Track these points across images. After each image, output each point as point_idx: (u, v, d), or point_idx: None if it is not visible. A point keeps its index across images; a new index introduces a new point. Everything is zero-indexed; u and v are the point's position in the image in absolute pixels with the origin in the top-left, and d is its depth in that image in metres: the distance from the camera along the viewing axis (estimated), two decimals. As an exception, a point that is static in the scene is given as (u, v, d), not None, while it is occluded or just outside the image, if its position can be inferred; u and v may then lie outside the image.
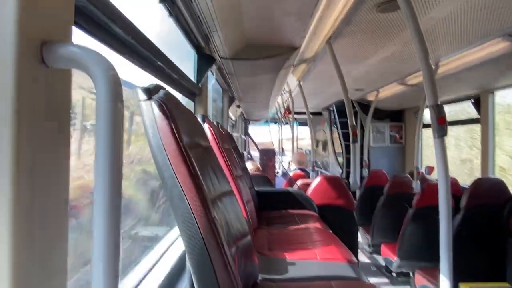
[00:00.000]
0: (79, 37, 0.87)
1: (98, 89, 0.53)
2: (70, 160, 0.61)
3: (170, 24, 1.84)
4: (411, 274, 3.40)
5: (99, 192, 0.51)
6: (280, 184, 5.15)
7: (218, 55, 2.77)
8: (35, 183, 0.52)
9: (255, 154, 8.11)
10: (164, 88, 0.90)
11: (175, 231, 1.83)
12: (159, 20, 1.78)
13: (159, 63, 1.38)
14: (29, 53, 0.51)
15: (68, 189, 0.60)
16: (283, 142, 9.84)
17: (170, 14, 1.67)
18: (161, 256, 1.60)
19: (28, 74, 0.51)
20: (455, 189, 3.22)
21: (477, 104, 4.09)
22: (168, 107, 0.83)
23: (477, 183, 2.76)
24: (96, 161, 0.52)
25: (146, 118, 0.82)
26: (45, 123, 0.54)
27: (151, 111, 0.82)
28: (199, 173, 0.87)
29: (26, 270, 0.50)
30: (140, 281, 1.31)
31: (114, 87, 0.53)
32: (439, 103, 1.85)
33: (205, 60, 2.41)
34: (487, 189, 2.74)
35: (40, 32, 0.53)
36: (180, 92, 2.01)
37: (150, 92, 0.83)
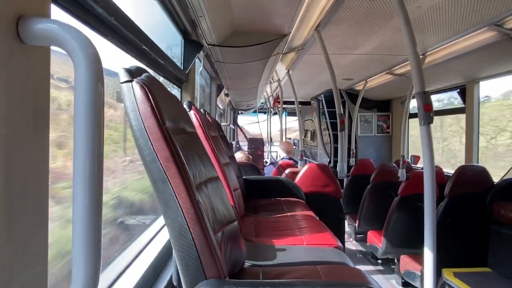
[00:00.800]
0: (58, 16, 0.84)
1: (77, 68, 0.51)
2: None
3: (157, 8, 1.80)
4: (396, 260, 3.47)
5: (79, 181, 0.50)
6: (269, 173, 5.17)
7: (206, 41, 2.73)
8: (12, 169, 0.50)
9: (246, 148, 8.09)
10: (147, 71, 0.88)
11: (162, 218, 1.82)
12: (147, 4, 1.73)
13: (144, 47, 1.35)
14: (3, 28, 0.48)
15: (48, 177, 0.58)
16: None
17: (156, -3, 1.63)
18: (149, 242, 1.59)
19: (2, 50, 0.48)
20: (440, 177, 3.29)
21: (463, 93, 4.14)
22: (150, 89, 0.81)
23: (460, 171, 2.81)
24: (75, 146, 0.50)
25: (127, 100, 0.80)
26: (23, 105, 0.52)
27: (132, 93, 0.80)
28: (183, 157, 0.86)
29: (5, 258, 0.49)
30: (126, 268, 1.30)
31: (94, 66, 0.51)
32: (426, 90, 1.87)
33: (192, 46, 2.37)
34: (470, 177, 2.79)
35: (15, 5, 0.50)
36: (166, 78, 1.98)
37: (132, 73, 0.81)
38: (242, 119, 10.77)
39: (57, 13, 0.83)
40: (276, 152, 8.99)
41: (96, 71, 0.51)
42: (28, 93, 0.54)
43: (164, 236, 1.68)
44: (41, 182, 0.57)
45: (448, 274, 2.57)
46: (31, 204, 0.54)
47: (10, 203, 0.49)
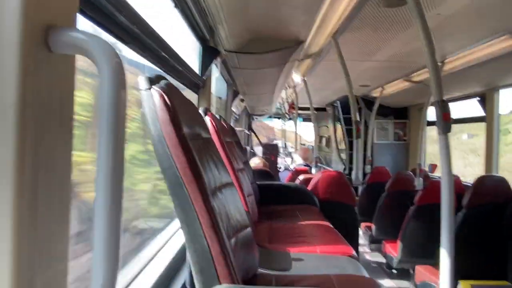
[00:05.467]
0: (84, 25, 0.87)
1: (101, 76, 0.53)
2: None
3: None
4: (411, 271, 3.41)
5: (100, 185, 0.52)
6: (283, 179, 5.15)
7: (223, 48, 2.76)
8: (38, 171, 0.52)
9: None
10: (166, 79, 0.90)
11: (177, 222, 1.84)
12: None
13: (163, 53, 1.38)
14: (34, 37, 0.51)
15: (71, 178, 0.61)
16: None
17: (176, 6, 1.67)
18: (163, 246, 1.61)
19: (32, 58, 0.51)
20: (458, 187, 3.21)
21: (483, 102, 4.05)
22: (169, 97, 0.83)
23: (479, 181, 2.74)
24: (98, 152, 0.52)
25: (146, 108, 0.82)
26: (49, 110, 0.55)
27: (151, 100, 0.82)
28: (199, 163, 0.87)
29: (28, 257, 0.51)
30: (140, 271, 1.32)
31: (118, 75, 0.53)
32: (444, 99, 1.84)
33: (209, 52, 2.41)
34: (490, 187, 2.72)
35: (45, 16, 0.53)
36: (184, 84, 2.01)
37: (152, 81, 0.83)
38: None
39: (81, 21, 0.86)
40: (292, 158, 8.98)
41: (119, 80, 0.53)
42: (55, 98, 0.56)
43: (179, 240, 1.69)
44: (64, 185, 0.59)
45: (465, 287, 2.50)
46: (54, 204, 0.56)
47: (35, 203, 0.52)
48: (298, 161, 5.64)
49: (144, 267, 1.36)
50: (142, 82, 0.83)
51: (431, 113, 4.74)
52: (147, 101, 0.82)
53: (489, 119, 3.93)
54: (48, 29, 0.53)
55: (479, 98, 4.14)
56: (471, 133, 9.56)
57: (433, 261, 2.62)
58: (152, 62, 1.39)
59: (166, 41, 1.41)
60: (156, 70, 1.48)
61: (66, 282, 0.60)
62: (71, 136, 0.61)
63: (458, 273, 2.24)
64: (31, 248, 0.51)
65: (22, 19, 0.48)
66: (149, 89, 0.82)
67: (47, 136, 0.54)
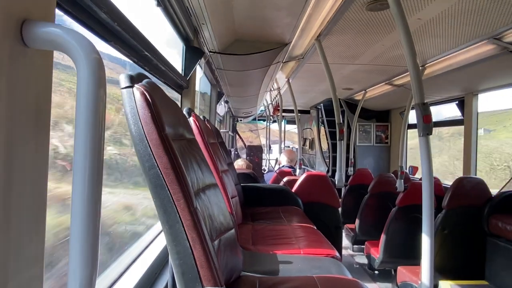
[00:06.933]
0: (62, 21, 0.85)
1: (79, 73, 0.51)
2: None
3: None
4: (393, 271, 3.45)
5: (78, 185, 0.50)
6: (268, 180, 5.15)
7: (207, 48, 2.74)
8: (11, 170, 0.50)
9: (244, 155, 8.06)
10: (148, 77, 0.88)
11: (159, 224, 1.81)
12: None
13: (146, 53, 1.36)
14: (8, 31, 0.49)
15: (47, 178, 0.58)
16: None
17: (158, 4, 1.64)
18: (145, 249, 1.58)
19: (5, 53, 0.49)
20: (438, 189, 3.29)
21: (461, 105, 4.17)
22: (151, 95, 0.81)
23: (458, 183, 2.81)
24: (76, 151, 0.50)
25: (127, 106, 0.80)
26: (24, 108, 0.53)
27: (132, 98, 0.80)
28: (181, 163, 0.86)
29: (2, 260, 0.48)
30: (121, 274, 1.29)
31: (97, 71, 0.51)
32: (425, 102, 1.87)
33: (193, 53, 2.39)
34: (468, 189, 2.79)
35: (20, 9, 0.51)
36: (167, 84, 1.98)
37: (133, 79, 0.81)
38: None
39: (59, 17, 0.83)
40: (275, 159, 8.99)
41: (98, 77, 0.51)
42: (30, 96, 0.54)
43: (161, 243, 1.66)
44: (40, 184, 0.57)
45: (445, 287, 2.55)
46: (29, 206, 0.54)
47: (8, 204, 0.49)
48: (282, 163, 5.66)
49: (126, 269, 1.33)
50: (123, 80, 0.80)
51: (412, 117, 4.84)
52: (128, 100, 0.80)
53: (467, 122, 4.04)
54: (24, 23, 0.51)
55: (457, 102, 4.25)
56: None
57: (414, 261, 2.66)
58: (134, 61, 1.37)
59: (149, 39, 1.39)
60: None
61: (42, 285, 0.58)
62: (48, 135, 0.59)
63: (439, 273, 2.29)
64: (4, 250, 0.49)
65: None
66: (131, 87, 0.80)
67: (22, 135, 0.52)
